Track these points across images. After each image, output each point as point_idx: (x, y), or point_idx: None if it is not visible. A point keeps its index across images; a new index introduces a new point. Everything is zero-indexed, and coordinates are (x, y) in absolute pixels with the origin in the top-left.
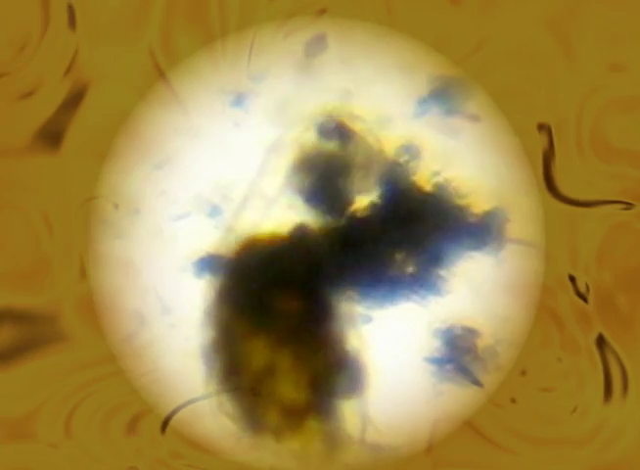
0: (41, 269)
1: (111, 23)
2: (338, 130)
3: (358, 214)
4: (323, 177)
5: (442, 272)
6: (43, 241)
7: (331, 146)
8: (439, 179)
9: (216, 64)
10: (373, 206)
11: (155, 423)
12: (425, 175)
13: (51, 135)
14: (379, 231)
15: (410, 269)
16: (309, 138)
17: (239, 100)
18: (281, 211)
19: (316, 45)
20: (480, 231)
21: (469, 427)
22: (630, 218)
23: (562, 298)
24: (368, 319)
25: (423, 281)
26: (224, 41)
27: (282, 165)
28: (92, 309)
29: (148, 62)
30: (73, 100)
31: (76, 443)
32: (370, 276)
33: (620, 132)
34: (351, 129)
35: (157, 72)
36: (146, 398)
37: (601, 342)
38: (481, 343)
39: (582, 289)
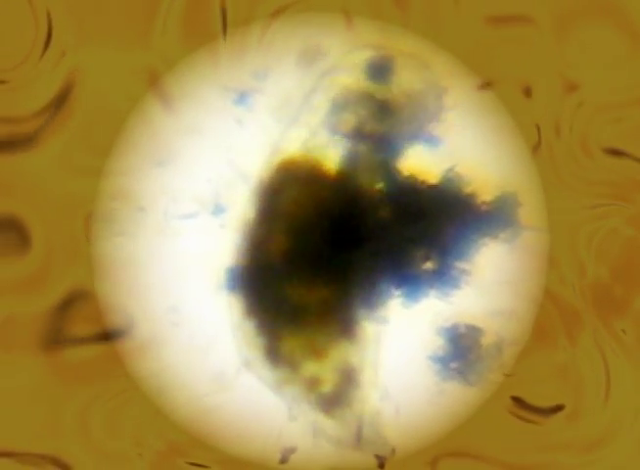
0: (43, 269)
1: (113, 21)
2: (385, 68)
3: (372, 215)
4: (366, 117)
5: (461, 265)
6: (46, 240)
7: (377, 86)
8: (447, 171)
9: (219, 61)
10: (382, 204)
11: (158, 421)
12: (431, 169)
13: (52, 133)
14: (393, 229)
15: (429, 265)
16: (356, 77)
17: (242, 98)
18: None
19: (312, 55)
20: (494, 217)
21: (470, 424)
22: (622, 219)
23: (562, 296)
24: (382, 320)
25: (442, 276)
26: (227, 39)
27: (325, 101)
28: (96, 307)
29: (151, 59)
30: (77, 97)
31: (79, 441)
32: (389, 275)
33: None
34: (398, 68)
35: (160, 70)
36: (150, 396)
37: (600, 339)
38: (485, 341)
39: (580, 289)
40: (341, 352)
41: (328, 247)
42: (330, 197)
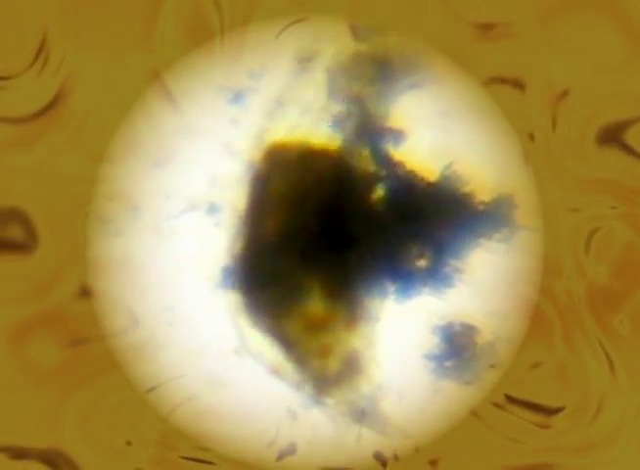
0: (42, 268)
1: (109, 23)
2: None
3: (368, 211)
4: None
5: (456, 263)
6: (42, 240)
7: (366, 47)
8: (444, 169)
9: (214, 61)
10: (380, 200)
11: (156, 421)
12: (428, 167)
13: (49, 134)
14: (389, 226)
15: (423, 262)
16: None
17: (237, 97)
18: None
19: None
20: (490, 217)
21: (469, 420)
22: (620, 219)
23: (560, 296)
24: (376, 318)
25: (436, 273)
26: (222, 38)
27: (318, 75)
28: (91, 309)
29: (148, 60)
30: (73, 99)
31: (79, 438)
32: (383, 271)
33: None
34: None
35: (154, 70)
36: (145, 396)
37: (599, 339)
38: (481, 340)
39: (579, 288)
40: (338, 345)
41: (323, 243)
42: (324, 193)
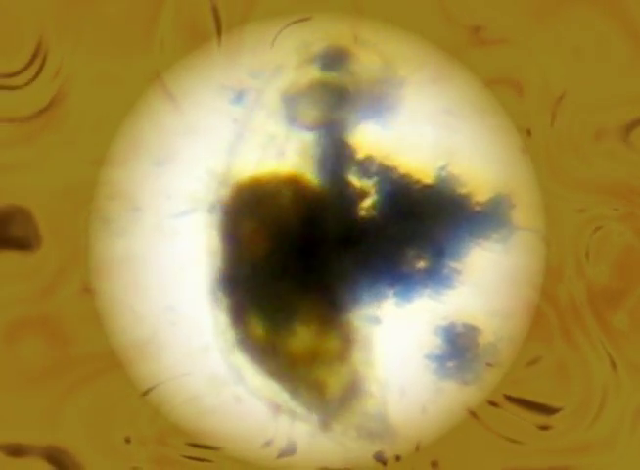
0: (44, 267)
1: (108, 24)
2: (338, 57)
3: (363, 214)
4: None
5: (454, 265)
6: (44, 239)
7: (333, 76)
8: (440, 171)
9: (216, 61)
10: (377, 204)
11: (155, 419)
12: (425, 168)
13: (51, 133)
14: (386, 229)
15: (422, 264)
16: (310, 70)
17: (239, 97)
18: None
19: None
20: (488, 218)
21: (470, 421)
22: (618, 220)
23: (561, 294)
24: (376, 320)
25: (435, 275)
26: (221, 38)
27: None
28: (93, 308)
29: (149, 60)
30: (74, 98)
31: (81, 439)
32: (382, 275)
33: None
34: (353, 53)
35: (154, 71)
36: (145, 395)
37: (602, 337)
38: (482, 340)
39: (579, 287)
40: (336, 353)
41: (321, 247)
42: (321, 197)
